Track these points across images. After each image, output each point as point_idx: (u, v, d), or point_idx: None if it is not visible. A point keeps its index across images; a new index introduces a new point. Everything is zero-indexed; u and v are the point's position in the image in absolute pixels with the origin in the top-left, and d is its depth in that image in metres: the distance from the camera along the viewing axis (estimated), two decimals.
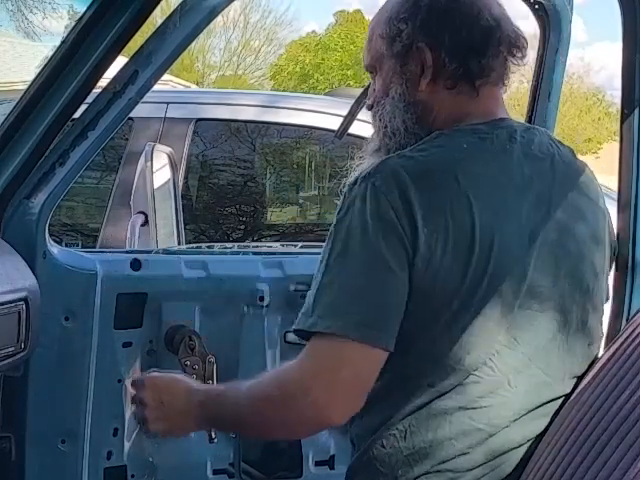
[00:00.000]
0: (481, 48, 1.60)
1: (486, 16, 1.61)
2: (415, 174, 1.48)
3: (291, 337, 2.16)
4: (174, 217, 2.80)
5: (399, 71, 1.64)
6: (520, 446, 1.55)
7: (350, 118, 2.35)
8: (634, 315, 1.67)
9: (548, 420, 1.56)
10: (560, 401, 1.58)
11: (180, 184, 3.58)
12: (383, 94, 1.66)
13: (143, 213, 2.79)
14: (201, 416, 1.58)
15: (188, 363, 2.03)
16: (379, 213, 1.46)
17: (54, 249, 1.91)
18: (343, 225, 1.49)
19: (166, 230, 2.76)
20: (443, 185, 1.49)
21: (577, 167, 1.66)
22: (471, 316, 1.49)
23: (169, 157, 2.80)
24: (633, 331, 1.55)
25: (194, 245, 2.93)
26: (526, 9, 2.21)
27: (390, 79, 1.65)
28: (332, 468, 2.23)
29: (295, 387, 1.46)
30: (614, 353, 1.55)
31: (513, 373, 1.53)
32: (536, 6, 2.16)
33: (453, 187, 1.49)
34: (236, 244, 3.42)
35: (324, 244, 1.52)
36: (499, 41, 1.61)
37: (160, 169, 2.76)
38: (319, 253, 2.17)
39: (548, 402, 1.57)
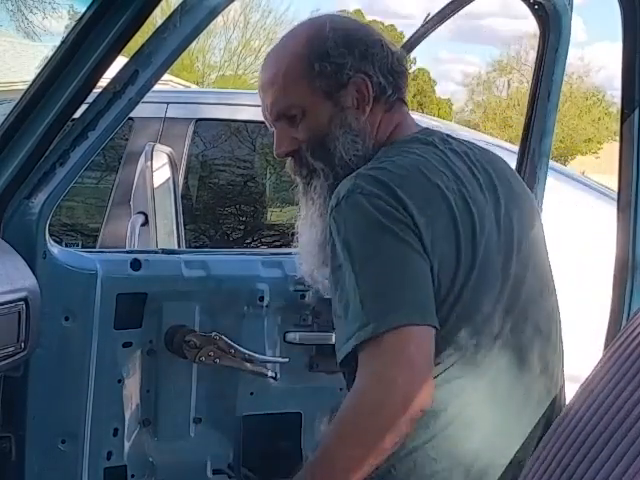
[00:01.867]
0: (400, 68, 1.73)
1: (386, 41, 1.73)
2: (393, 178, 1.55)
3: (291, 337, 2.16)
4: (174, 217, 2.80)
5: (336, 107, 1.67)
6: None
7: None
8: (634, 315, 1.67)
9: None
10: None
11: (180, 184, 3.58)
12: (316, 134, 1.67)
13: (143, 213, 2.79)
14: None
15: (203, 358, 2.03)
16: (382, 212, 1.51)
17: (54, 249, 1.91)
18: (351, 239, 1.52)
19: (166, 230, 2.76)
20: (419, 182, 1.57)
21: (499, 159, 1.78)
22: (466, 304, 1.56)
23: (169, 157, 2.79)
24: (633, 331, 1.55)
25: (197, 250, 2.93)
26: (526, 9, 2.21)
27: (327, 117, 1.67)
28: None
29: (378, 391, 1.46)
30: (614, 352, 1.55)
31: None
32: (536, 6, 2.16)
33: (427, 183, 1.57)
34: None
35: (332, 268, 1.54)
36: (404, 60, 1.76)
37: (160, 169, 2.76)
38: None
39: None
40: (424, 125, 1.79)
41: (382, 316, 1.47)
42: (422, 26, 2.30)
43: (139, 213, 2.80)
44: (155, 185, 2.73)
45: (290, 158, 1.74)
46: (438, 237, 1.54)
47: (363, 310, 1.49)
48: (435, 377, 1.53)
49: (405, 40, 2.47)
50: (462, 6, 2.30)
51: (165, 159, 2.79)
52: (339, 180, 1.63)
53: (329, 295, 1.63)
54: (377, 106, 1.69)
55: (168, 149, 2.86)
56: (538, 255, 1.73)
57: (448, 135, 1.74)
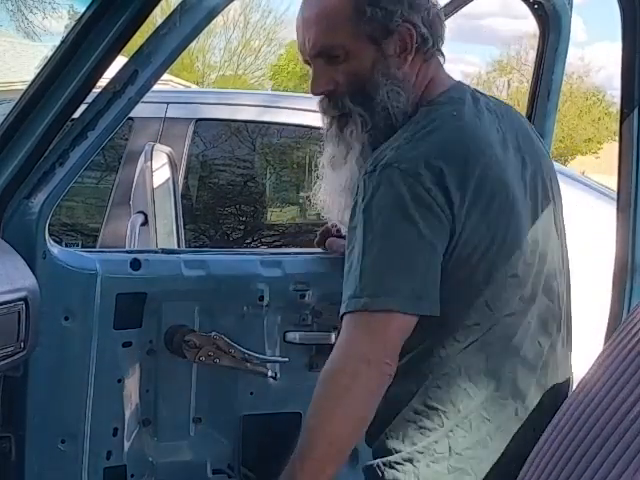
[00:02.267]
0: (441, 20, 1.74)
1: None
2: (434, 154, 1.57)
3: (290, 337, 2.16)
4: (174, 217, 2.80)
5: (380, 53, 1.68)
6: None
7: None
8: (633, 312, 1.67)
9: None
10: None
11: (180, 184, 3.58)
12: (358, 79, 1.68)
13: (143, 213, 2.79)
14: None
15: (203, 358, 2.03)
16: (413, 195, 1.54)
17: (54, 249, 1.91)
18: (373, 209, 1.56)
19: (166, 230, 2.76)
20: (461, 155, 1.59)
21: (517, 113, 1.83)
22: (501, 277, 1.62)
23: (169, 157, 2.79)
24: (632, 328, 1.56)
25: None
26: (526, 9, 2.21)
27: (370, 63, 1.68)
28: None
29: (357, 360, 1.55)
30: (613, 349, 1.55)
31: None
32: (536, 6, 2.16)
33: (468, 155, 1.60)
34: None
35: (350, 229, 1.59)
36: (442, 13, 1.77)
37: (160, 169, 2.76)
38: (317, 253, 2.19)
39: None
40: None
41: (377, 295, 1.54)
42: None
43: (139, 213, 2.80)
44: (155, 185, 2.73)
45: (323, 97, 1.73)
46: (474, 215, 1.58)
47: (361, 281, 1.56)
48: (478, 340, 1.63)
49: None
50: (461, 6, 2.31)
51: (165, 159, 2.79)
52: (378, 130, 1.67)
53: None
54: (417, 56, 1.71)
55: (168, 149, 2.86)
56: (558, 219, 1.77)
57: (476, 90, 1.77)
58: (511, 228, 1.64)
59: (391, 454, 1.70)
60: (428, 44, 1.70)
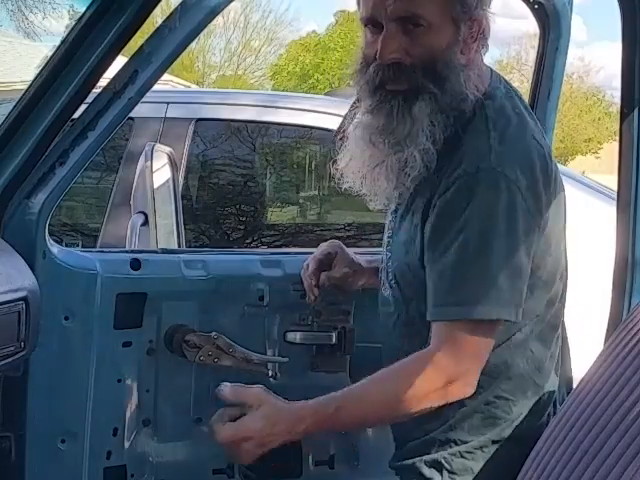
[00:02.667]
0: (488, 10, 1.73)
1: None
2: (528, 158, 1.64)
3: (290, 337, 2.16)
4: (174, 217, 2.80)
5: (457, 36, 1.67)
6: None
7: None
8: (632, 312, 1.67)
9: None
10: None
11: (180, 184, 3.58)
12: (432, 55, 1.64)
13: (143, 213, 2.79)
14: (314, 428, 1.70)
15: (203, 358, 2.03)
16: (513, 200, 1.58)
17: (54, 249, 1.91)
18: (476, 213, 1.58)
19: (166, 230, 2.76)
20: (542, 165, 1.66)
21: None
22: (557, 274, 1.73)
23: (169, 157, 2.79)
24: (632, 328, 1.55)
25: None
26: (526, 9, 2.21)
27: (446, 43, 1.66)
28: (332, 468, 2.23)
29: (451, 372, 1.60)
30: (613, 350, 1.55)
31: None
32: (536, 6, 2.16)
33: (549, 160, 1.69)
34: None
35: (443, 226, 1.61)
36: None
37: (160, 169, 2.76)
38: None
39: None
40: None
41: (481, 304, 1.57)
42: None
43: (139, 213, 2.80)
44: (155, 185, 2.73)
45: (387, 66, 1.65)
46: (549, 214, 1.66)
47: (463, 288, 1.58)
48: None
49: None
50: None
51: (165, 159, 2.79)
52: (445, 110, 1.65)
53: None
54: (478, 46, 1.72)
55: (168, 149, 2.86)
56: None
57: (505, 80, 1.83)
58: (557, 224, 1.72)
59: (456, 445, 1.76)
60: (485, 34, 1.72)
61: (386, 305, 1.85)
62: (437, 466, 1.79)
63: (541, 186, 1.64)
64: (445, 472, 1.78)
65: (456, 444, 1.77)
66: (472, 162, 1.61)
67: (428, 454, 1.79)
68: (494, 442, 1.76)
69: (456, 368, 1.61)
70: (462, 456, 1.77)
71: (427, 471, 1.80)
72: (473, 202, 1.58)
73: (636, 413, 1.35)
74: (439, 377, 1.61)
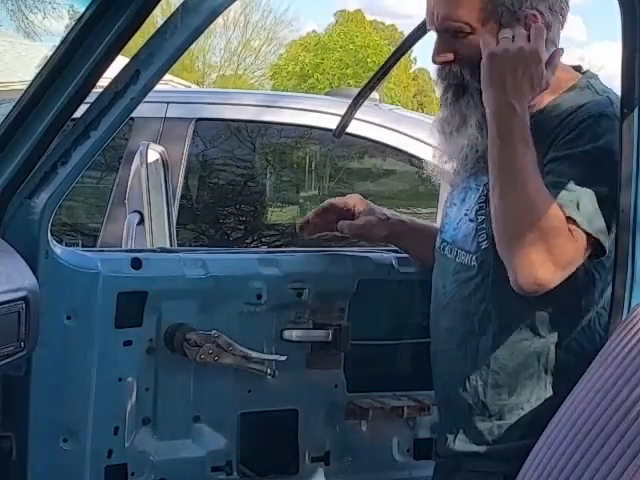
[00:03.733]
0: (566, 7, 1.82)
1: None
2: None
3: (287, 334, 2.17)
4: (166, 216, 2.80)
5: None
6: None
7: (348, 117, 2.37)
8: (632, 312, 1.67)
9: None
10: None
11: (180, 184, 3.58)
12: (479, 58, 1.74)
13: (139, 212, 2.79)
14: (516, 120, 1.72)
15: (203, 356, 2.04)
16: (616, 145, 1.75)
17: (56, 248, 1.92)
18: (603, 147, 1.74)
19: (160, 229, 2.77)
20: None
21: None
22: None
23: (161, 156, 2.80)
24: (632, 328, 1.56)
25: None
26: None
27: (494, 43, 1.74)
28: (327, 464, 2.24)
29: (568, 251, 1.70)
30: (613, 350, 1.56)
31: None
32: None
33: None
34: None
35: (572, 152, 1.73)
36: None
37: (153, 168, 2.76)
38: (317, 252, 2.20)
39: None
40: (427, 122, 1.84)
41: (594, 223, 1.71)
42: (421, 24, 2.29)
43: (134, 212, 2.81)
44: (149, 184, 2.74)
45: (443, 66, 1.83)
46: None
47: (592, 207, 1.71)
48: None
49: (403, 39, 2.47)
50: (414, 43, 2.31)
51: (158, 158, 2.79)
52: None
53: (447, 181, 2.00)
54: None
55: (161, 148, 2.86)
56: None
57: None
58: None
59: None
60: (551, 30, 1.78)
61: (463, 271, 1.90)
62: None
63: None
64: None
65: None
66: (597, 104, 1.75)
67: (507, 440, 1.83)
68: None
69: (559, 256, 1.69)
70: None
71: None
72: (597, 135, 1.73)
73: (636, 413, 1.35)
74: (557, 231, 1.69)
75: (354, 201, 2.17)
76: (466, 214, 1.91)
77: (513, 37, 1.74)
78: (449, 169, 1.93)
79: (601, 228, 1.72)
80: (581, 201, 1.71)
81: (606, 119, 1.76)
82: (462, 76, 1.81)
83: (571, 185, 1.71)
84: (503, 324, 1.84)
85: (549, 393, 1.81)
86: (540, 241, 1.67)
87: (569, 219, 1.69)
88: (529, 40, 1.74)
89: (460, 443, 1.91)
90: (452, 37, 1.78)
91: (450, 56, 1.80)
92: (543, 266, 1.67)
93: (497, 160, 1.73)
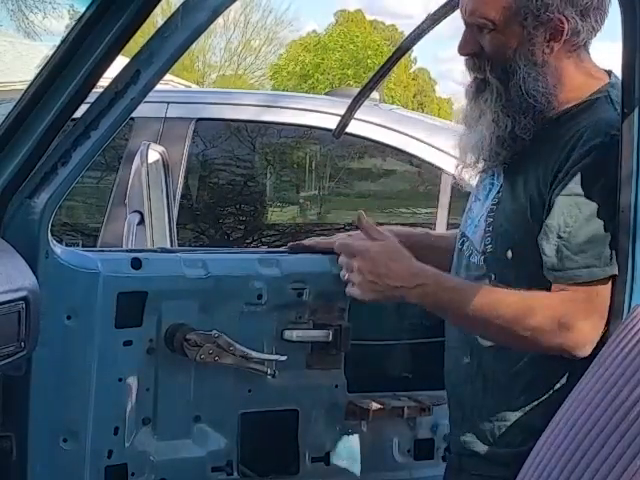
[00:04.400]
0: (602, 10, 1.83)
1: None
2: None
3: (288, 335, 2.17)
4: (166, 216, 2.80)
5: (527, 39, 1.79)
6: None
7: (347, 117, 2.37)
8: (632, 312, 1.67)
9: None
10: None
11: (180, 184, 3.58)
12: (499, 54, 1.80)
13: (139, 212, 2.79)
14: (429, 292, 1.78)
15: (203, 356, 2.04)
16: (613, 172, 1.75)
17: (57, 248, 1.92)
18: (611, 183, 1.74)
19: (160, 229, 2.77)
20: None
21: None
22: None
23: (162, 156, 2.80)
24: (632, 328, 1.56)
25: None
26: None
27: (515, 45, 1.79)
28: (328, 464, 2.24)
29: (581, 334, 1.72)
30: (613, 350, 1.56)
31: None
32: None
33: None
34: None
35: (583, 192, 1.74)
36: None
37: (154, 168, 2.77)
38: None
39: None
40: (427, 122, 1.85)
41: (607, 264, 1.73)
42: (421, 24, 2.29)
43: (135, 212, 2.81)
44: (149, 184, 2.74)
45: (469, 57, 1.86)
46: None
47: (602, 249, 1.72)
48: None
49: (404, 39, 2.47)
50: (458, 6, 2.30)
51: (158, 158, 2.80)
52: (513, 106, 1.81)
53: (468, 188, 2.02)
54: (565, 47, 1.80)
55: (161, 148, 2.87)
56: None
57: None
58: None
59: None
60: (580, 36, 1.80)
61: (473, 270, 1.92)
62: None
63: None
64: None
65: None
66: (604, 131, 1.75)
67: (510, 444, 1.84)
68: None
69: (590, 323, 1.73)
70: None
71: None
72: (606, 169, 1.74)
73: (636, 413, 1.35)
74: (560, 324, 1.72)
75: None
76: (484, 213, 1.93)
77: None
78: (470, 163, 1.95)
79: (604, 262, 1.75)
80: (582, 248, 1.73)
81: (601, 157, 1.76)
82: (485, 70, 1.83)
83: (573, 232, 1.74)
84: None
85: (549, 397, 1.81)
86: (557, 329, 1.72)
87: (570, 283, 1.73)
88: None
89: (464, 442, 1.92)
90: (478, 31, 1.81)
91: (476, 48, 1.82)
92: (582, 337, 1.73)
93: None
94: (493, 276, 1.87)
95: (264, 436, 2.19)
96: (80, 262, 1.96)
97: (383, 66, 2.47)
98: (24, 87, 1.85)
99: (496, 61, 1.81)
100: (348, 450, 2.26)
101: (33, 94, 1.80)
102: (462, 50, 1.86)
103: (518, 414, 1.84)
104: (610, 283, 1.75)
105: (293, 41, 34.68)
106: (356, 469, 2.28)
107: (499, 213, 1.88)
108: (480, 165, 1.92)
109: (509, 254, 1.84)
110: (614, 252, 1.75)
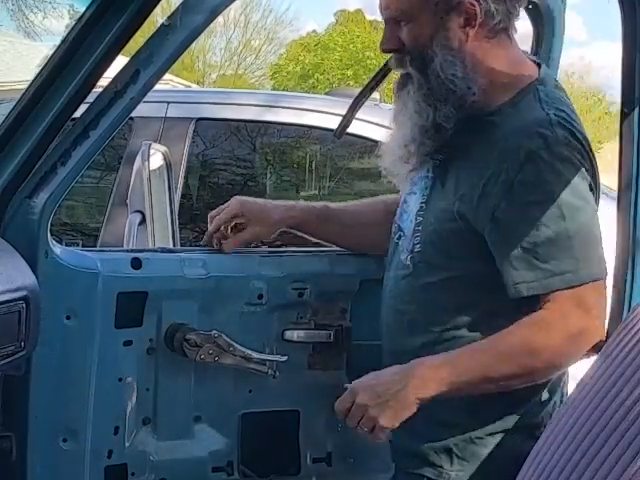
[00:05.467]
0: None
1: None
2: (584, 137, 1.78)
3: (289, 335, 2.17)
4: (169, 216, 2.80)
5: (441, 26, 1.77)
6: None
7: (349, 117, 2.37)
8: (632, 312, 1.67)
9: None
10: None
11: (180, 184, 3.58)
12: (417, 44, 1.79)
13: (140, 212, 2.79)
14: (433, 381, 1.72)
15: (203, 357, 2.04)
16: (584, 169, 1.73)
17: (56, 248, 1.92)
18: (559, 185, 1.70)
19: (162, 229, 2.76)
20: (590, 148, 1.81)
21: None
22: None
23: (164, 156, 2.79)
24: (632, 328, 1.56)
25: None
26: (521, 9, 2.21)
27: (430, 33, 1.78)
28: (329, 465, 2.23)
29: (579, 336, 1.70)
30: (613, 350, 1.56)
31: None
32: (530, 6, 2.17)
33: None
34: None
35: (525, 201, 1.71)
36: None
37: (156, 168, 2.76)
38: (316, 252, 2.20)
39: None
40: None
41: (588, 267, 1.69)
42: None
43: (136, 212, 2.80)
44: (151, 184, 2.73)
45: (393, 54, 1.87)
46: None
47: (566, 256, 1.68)
48: None
49: None
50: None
51: (160, 158, 2.79)
52: (434, 92, 1.78)
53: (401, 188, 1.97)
54: (481, 32, 1.78)
55: (163, 148, 2.86)
56: None
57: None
58: None
59: (468, 431, 1.84)
60: (495, 19, 1.77)
61: (400, 269, 1.90)
62: (447, 452, 1.81)
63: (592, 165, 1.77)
64: (455, 458, 1.81)
65: (468, 430, 1.79)
66: (536, 132, 1.71)
67: (438, 440, 1.81)
68: (505, 431, 1.79)
69: (586, 322, 1.70)
70: (473, 442, 1.80)
71: (436, 458, 1.82)
72: (547, 174, 1.70)
73: (636, 413, 1.35)
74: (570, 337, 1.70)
75: (234, 209, 2.14)
76: (415, 209, 1.90)
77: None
78: (400, 159, 1.92)
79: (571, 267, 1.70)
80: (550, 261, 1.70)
81: (539, 159, 1.71)
82: (407, 64, 1.82)
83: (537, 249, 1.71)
84: (428, 329, 1.84)
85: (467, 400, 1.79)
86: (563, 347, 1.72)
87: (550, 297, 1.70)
88: None
89: (400, 441, 1.88)
90: (396, 26, 1.80)
91: (396, 44, 1.82)
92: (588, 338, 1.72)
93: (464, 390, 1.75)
94: (418, 277, 1.84)
95: (265, 436, 2.18)
96: (80, 262, 1.95)
97: (384, 66, 2.47)
98: (24, 87, 1.85)
99: (415, 52, 1.80)
100: (349, 451, 2.26)
101: (33, 94, 1.80)
102: (384, 47, 1.85)
103: (446, 412, 1.81)
104: (598, 282, 1.72)
105: (293, 41, 34.65)
106: (357, 470, 2.27)
107: (428, 212, 1.86)
108: (412, 160, 1.89)
109: (435, 256, 1.82)
110: (588, 252, 1.71)
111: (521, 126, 1.75)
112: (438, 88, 1.78)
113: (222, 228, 2.14)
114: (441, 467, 1.83)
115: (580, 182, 1.72)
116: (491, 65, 1.80)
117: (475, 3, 1.75)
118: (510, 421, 1.80)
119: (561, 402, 1.82)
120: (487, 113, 1.80)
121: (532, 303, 1.72)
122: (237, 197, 2.17)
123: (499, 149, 1.74)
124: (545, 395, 1.82)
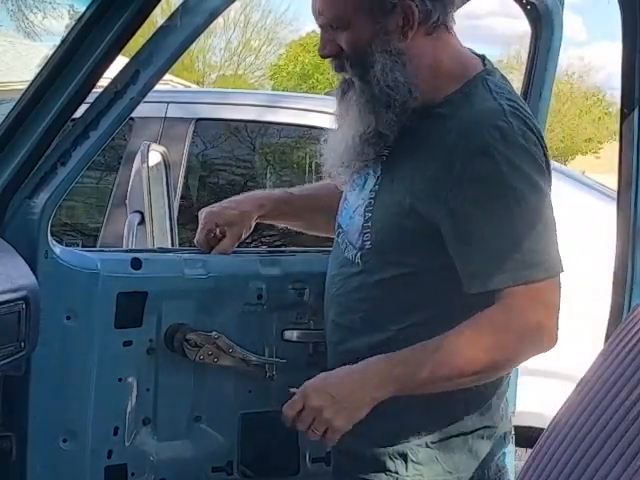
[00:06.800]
0: None
1: None
2: (537, 127, 1.74)
3: (288, 335, 2.17)
4: (167, 216, 2.80)
5: (379, 29, 1.73)
6: None
7: None
8: (632, 312, 1.67)
9: None
10: None
11: (180, 184, 3.58)
12: (356, 50, 1.75)
13: (140, 212, 2.79)
14: (388, 380, 1.68)
15: (203, 357, 2.04)
16: (541, 162, 1.69)
17: (56, 248, 1.91)
18: (517, 178, 1.66)
19: (161, 229, 2.76)
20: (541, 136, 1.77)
21: None
22: None
23: (163, 156, 2.79)
24: (632, 328, 1.56)
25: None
26: (518, 9, 2.22)
27: (368, 37, 1.74)
28: (328, 465, 2.23)
29: (536, 332, 1.66)
30: (613, 350, 1.56)
31: None
32: (528, 6, 2.17)
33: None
34: None
35: (480, 197, 1.66)
36: None
37: (155, 168, 2.76)
38: (318, 252, 2.20)
39: None
40: None
41: (545, 262, 1.64)
42: None
43: (135, 212, 2.80)
44: (150, 184, 2.73)
45: (332, 59, 1.81)
46: None
47: (521, 251, 1.64)
48: None
49: None
50: (459, 5, 2.31)
51: (159, 158, 2.79)
52: (375, 100, 1.75)
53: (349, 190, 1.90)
54: (420, 30, 1.74)
55: (162, 148, 2.86)
56: None
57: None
58: None
59: (423, 435, 1.81)
60: (432, 18, 1.73)
61: (347, 266, 1.86)
62: (402, 457, 1.78)
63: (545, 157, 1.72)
64: (410, 463, 1.78)
65: (424, 434, 1.76)
66: (488, 124, 1.67)
67: (392, 445, 1.78)
68: (461, 433, 1.77)
69: (544, 320, 1.67)
70: (428, 446, 1.77)
71: (391, 463, 1.79)
72: (503, 166, 1.65)
73: (636, 413, 1.35)
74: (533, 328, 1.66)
75: (207, 226, 2.17)
76: (360, 205, 1.86)
77: None
78: (342, 164, 1.89)
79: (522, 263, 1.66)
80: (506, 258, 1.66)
81: (495, 151, 1.67)
82: (347, 69, 1.79)
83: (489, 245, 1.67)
84: (382, 327, 1.81)
85: (414, 400, 1.76)
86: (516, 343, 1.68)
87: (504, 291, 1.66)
88: None
89: (347, 443, 1.82)
90: (333, 31, 1.76)
91: (335, 50, 1.78)
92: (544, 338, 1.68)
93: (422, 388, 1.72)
94: (369, 274, 1.81)
95: (265, 436, 2.18)
96: (80, 262, 1.95)
97: None
98: (24, 87, 1.85)
99: (355, 58, 1.76)
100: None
101: (33, 94, 1.80)
102: (322, 52, 1.81)
103: (401, 416, 1.78)
104: (555, 278, 1.67)
105: (293, 41, 34.67)
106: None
107: (378, 208, 1.81)
108: (353, 165, 1.85)
109: (388, 252, 1.79)
110: (545, 247, 1.67)
111: (473, 117, 1.71)
112: (379, 95, 1.74)
113: (205, 246, 2.15)
114: (396, 473, 1.80)
115: (535, 173, 1.68)
116: (434, 58, 1.76)
117: (411, 4, 1.71)
118: (466, 423, 1.78)
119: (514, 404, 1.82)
120: (434, 105, 1.76)
121: (489, 298, 1.68)
122: (204, 210, 2.21)
123: (451, 141, 1.70)
124: (501, 396, 1.81)
